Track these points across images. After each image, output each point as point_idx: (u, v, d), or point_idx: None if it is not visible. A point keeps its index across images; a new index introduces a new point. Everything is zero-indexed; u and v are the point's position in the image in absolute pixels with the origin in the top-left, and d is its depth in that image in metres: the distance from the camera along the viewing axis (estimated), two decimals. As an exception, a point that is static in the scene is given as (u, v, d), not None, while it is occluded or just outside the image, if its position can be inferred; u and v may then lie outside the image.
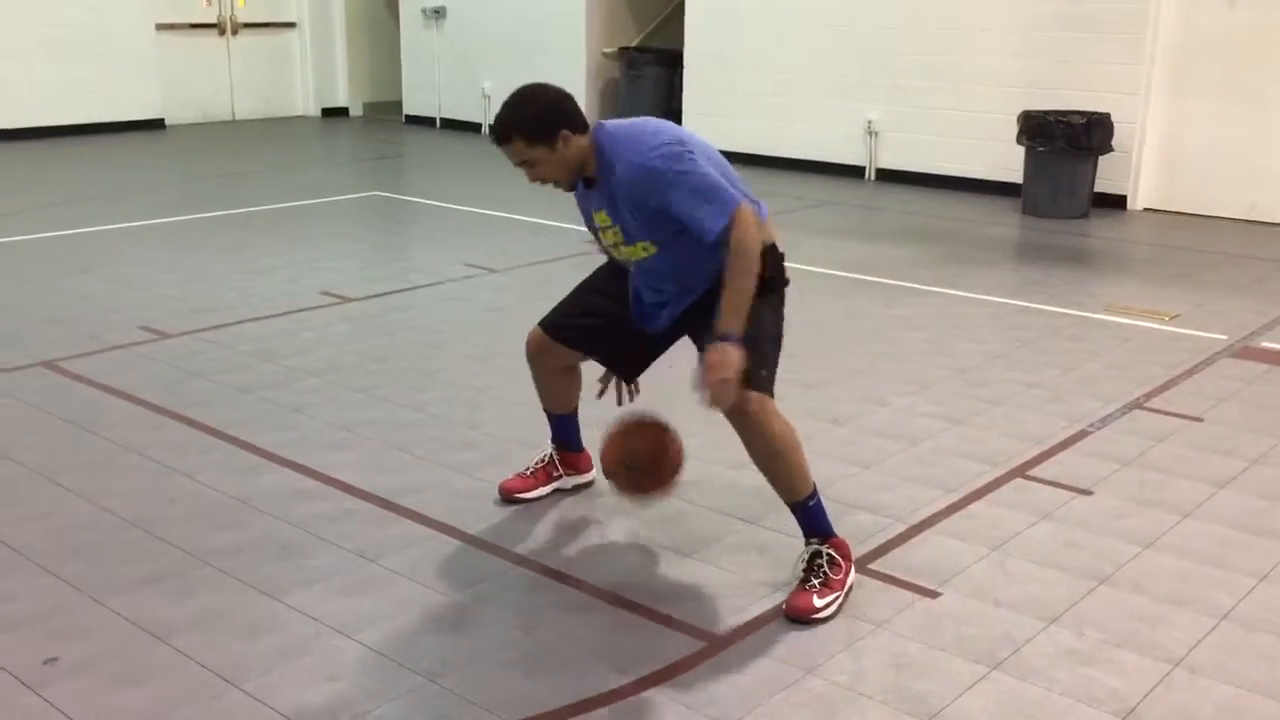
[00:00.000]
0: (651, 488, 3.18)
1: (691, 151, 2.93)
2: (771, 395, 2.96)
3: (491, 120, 3.08)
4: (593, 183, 3.07)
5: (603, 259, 3.40)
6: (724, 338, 2.84)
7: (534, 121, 2.95)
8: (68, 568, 3.15)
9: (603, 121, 3.06)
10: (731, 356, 2.82)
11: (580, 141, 2.99)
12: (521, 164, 3.01)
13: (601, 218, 3.13)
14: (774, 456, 2.95)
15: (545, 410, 3.60)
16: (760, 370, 2.95)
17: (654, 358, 3.42)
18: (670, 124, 3.06)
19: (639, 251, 3.09)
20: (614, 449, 3.15)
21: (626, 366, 3.44)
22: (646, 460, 3.12)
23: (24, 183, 9.28)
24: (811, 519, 3.05)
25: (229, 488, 3.67)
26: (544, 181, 3.06)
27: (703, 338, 3.00)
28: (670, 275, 3.13)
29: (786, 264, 3.13)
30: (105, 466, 3.83)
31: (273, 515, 3.48)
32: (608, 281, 3.39)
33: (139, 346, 5.10)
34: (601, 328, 3.35)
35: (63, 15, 11.42)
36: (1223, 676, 2.73)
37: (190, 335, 5.26)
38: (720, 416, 2.93)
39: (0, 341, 5.12)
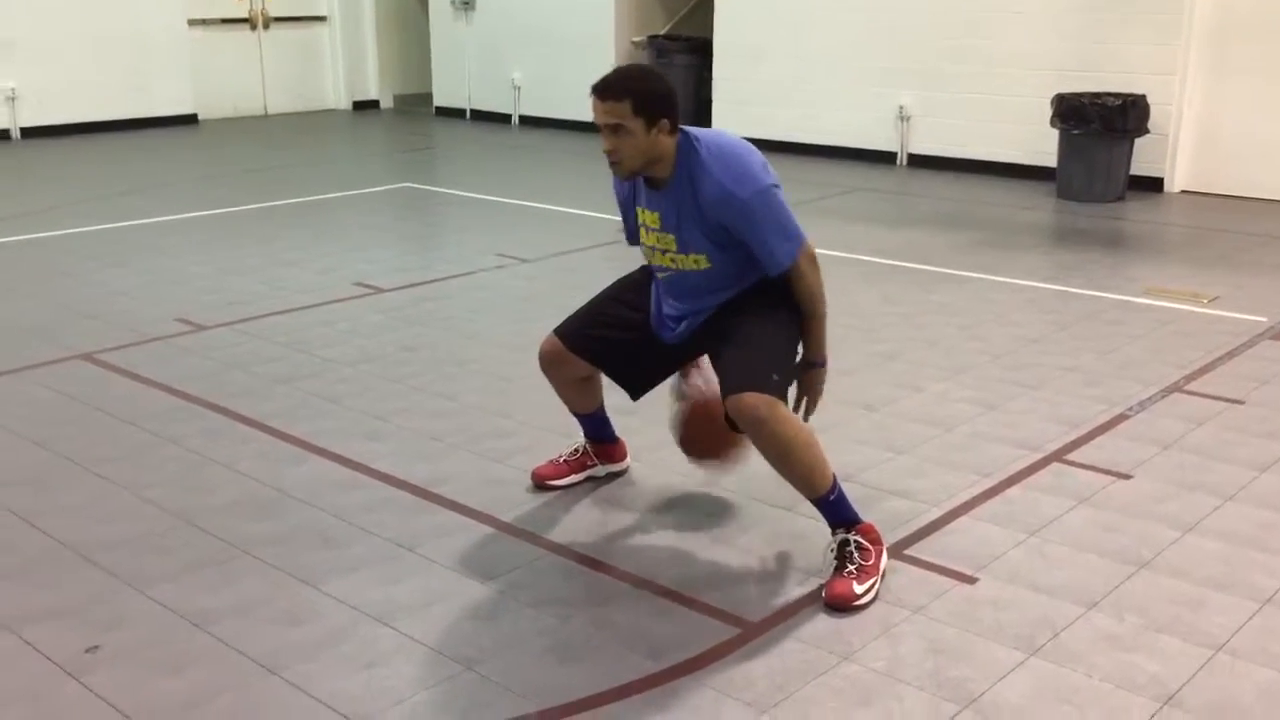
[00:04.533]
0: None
1: (778, 185, 3.01)
2: (784, 399, 2.96)
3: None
4: (658, 184, 3.05)
5: (628, 263, 3.38)
6: (818, 363, 3.17)
7: (651, 94, 2.94)
8: (108, 557, 3.18)
9: (687, 129, 3.03)
10: (823, 377, 3.19)
11: (668, 141, 2.98)
12: (611, 127, 2.94)
13: (651, 218, 3.11)
14: (786, 456, 2.93)
15: (571, 413, 3.59)
16: (772, 375, 2.96)
17: (665, 377, 3.43)
18: (749, 144, 3.06)
19: (689, 262, 3.09)
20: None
21: (637, 385, 3.42)
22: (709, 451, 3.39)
23: (60, 179, 9.39)
24: (835, 511, 3.04)
25: (267, 477, 3.70)
26: (613, 156, 2.99)
27: (716, 353, 3.12)
28: (703, 290, 3.13)
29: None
30: (144, 457, 3.86)
31: (310, 504, 3.51)
32: (631, 290, 3.37)
33: (176, 339, 5.14)
34: (619, 340, 3.32)
35: (97, 13, 11.53)
36: (1265, 660, 2.70)
37: (226, 327, 5.30)
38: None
39: (39, 335, 5.18)
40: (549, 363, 3.40)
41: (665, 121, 2.95)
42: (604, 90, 2.95)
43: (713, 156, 2.98)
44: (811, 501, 3.05)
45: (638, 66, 3.09)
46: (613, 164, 3.02)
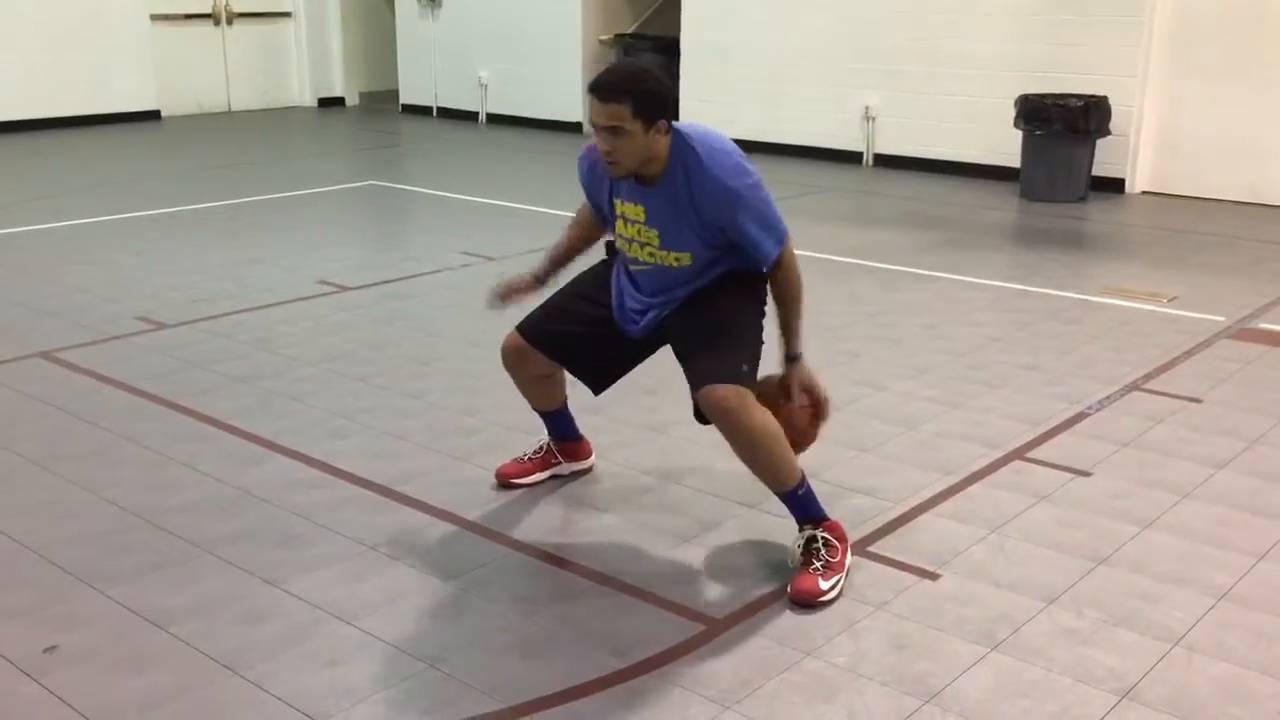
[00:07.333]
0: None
1: (760, 178, 3.03)
2: (752, 390, 2.96)
3: (595, 80, 2.89)
4: (648, 180, 3.02)
5: (594, 261, 3.38)
6: (797, 356, 3.13)
7: (651, 96, 2.89)
8: (67, 556, 3.15)
9: (677, 126, 3.00)
10: (809, 369, 3.15)
11: (664, 140, 2.96)
12: (609, 128, 2.89)
13: (633, 211, 3.08)
14: (755, 448, 2.94)
15: (535, 410, 3.59)
16: (741, 365, 2.97)
17: (627, 370, 3.42)
18: (726, 136, 3.06)
19: (669, 259, 3.07)
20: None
21: (599, 379, 3.42)
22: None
23: (20, 174, 9.27)
24: (802, 506, 3.05)
25: (228, 476, 3.67)
26: (611, 157, 2.94)
27: (683, 345, 3.11)
28: (674, 284, 3.13)
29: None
30: (103, 456, 3.83)
31: (272, 503, 3.48)
32: (591, 284, 3.35)
33: (136, 337, 5.09)
34: (581, 334, 3.31)
35: (56, 6, 11.39)
36: (1221, 654, 2.74)
37: (188, 325, 5.25)
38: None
39: (-2, 333, 5.12)
40: (511, 359, 3.39)
41: (662, 122, 2.92)
42: (604, 92, 2.89)
43: (709, 154, 2.96)
44: (779, 496, 3.06)
45: (635, 65, 3.02)
46: (610, 165, 2.98)
